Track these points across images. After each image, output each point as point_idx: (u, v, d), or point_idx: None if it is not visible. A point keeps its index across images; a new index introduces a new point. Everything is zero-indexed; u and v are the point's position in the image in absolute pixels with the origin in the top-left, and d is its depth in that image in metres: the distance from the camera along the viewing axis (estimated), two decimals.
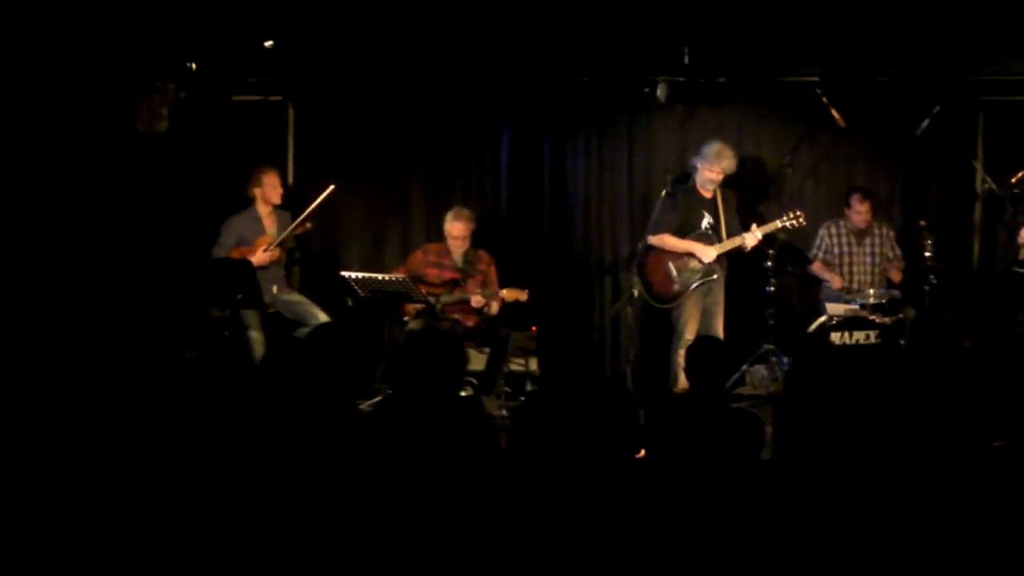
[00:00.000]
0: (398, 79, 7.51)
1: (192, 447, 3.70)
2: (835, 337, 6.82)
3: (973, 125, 7.71)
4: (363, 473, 3.55)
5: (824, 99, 7.31)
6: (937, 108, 7.27)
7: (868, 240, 7.38)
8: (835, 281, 7.30)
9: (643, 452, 4.13)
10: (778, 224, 7.00)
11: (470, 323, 6.84)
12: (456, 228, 6.94)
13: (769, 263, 7.09)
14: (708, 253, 6.96)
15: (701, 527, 3.46)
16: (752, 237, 6.95)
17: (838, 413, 3.67)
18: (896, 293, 7.22)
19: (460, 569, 3.34)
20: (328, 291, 7.19)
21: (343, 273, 6.66)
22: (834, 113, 7.30)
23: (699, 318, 7.03)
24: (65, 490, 3.53)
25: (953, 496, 3.54)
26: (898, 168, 7.83)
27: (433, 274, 6.90)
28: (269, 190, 6.99)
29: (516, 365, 7.23)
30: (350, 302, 6.82)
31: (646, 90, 7.45)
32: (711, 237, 7.01)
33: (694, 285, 7.00)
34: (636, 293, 7.13)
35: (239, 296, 6.33)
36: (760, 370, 7.24)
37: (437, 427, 3.72)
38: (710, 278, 7.01)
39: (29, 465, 3.68)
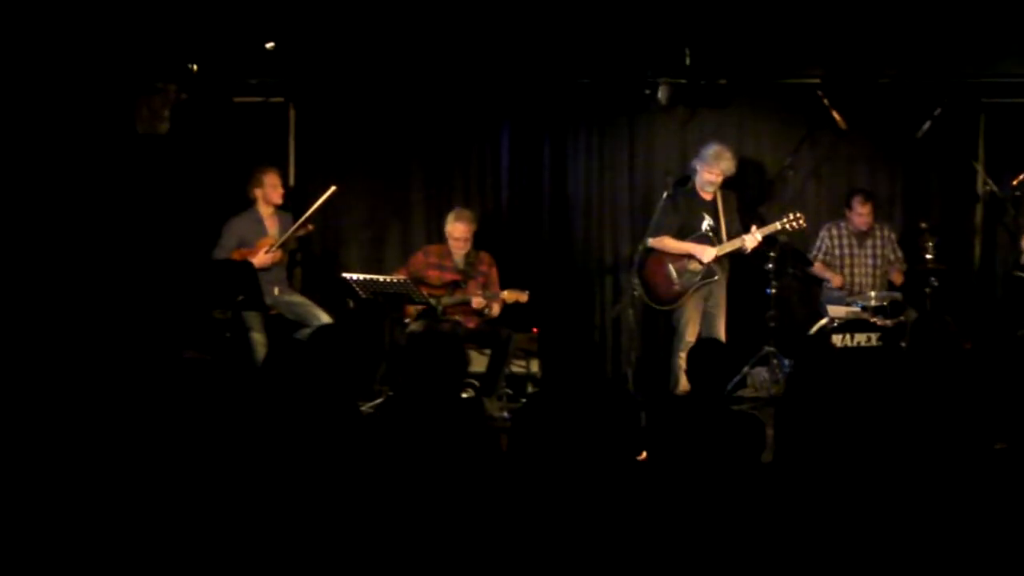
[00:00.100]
0: (398, 80, 7.50)
1: (194, 448, 3.70)
2: (836, 339, 6.82)
3: (974, 127, 7.70)
4: (364, 474, 3.55)
5: (825, 101, 7.31)
6: (938, 110, 7.27)
7: (869, 242, 7.38)
8: (835, 279, 7.29)
9: (644, 454, 4.13)
10: (778, 226, 6.99)
11: (471, 325, 6.83)
12: (457, 229, 6.93)
13: (770, 265, 7.08)
14: (707, 253, 6.96)
15: (702, 529, 3.46)
16: (752, 239, 6.95)
17: (839, 415, 3.68)
18: (897, 295, 7.20)
19: (462, 570, 3.34)
20: (329, 292, 7.20)
21: (344, 275, 6.66)
22: (835, 115, 7.30)
23: (700, 320, 7.04)
24: (65, 490, 3.53)
25: (954, 498, 3.54)
26: (899, 170, 7.82)
27: (434, 275, 6.90)
28: (270, 191, 6.98)
29: (517, 367, 7.23)
30: (351, 303, 6.82)
31: (647, 91, 7.43)
32: (711, 239, 7.01)
33: (694, 287, 7.01)
34: (637, 295, 7.14)
35: (241, 298, 6.34)
36: (761, 372, 7.24)
37: (438, 429, 3.72)
38: (710, 279, 7.01)
39: (29, 465, 3.68)
